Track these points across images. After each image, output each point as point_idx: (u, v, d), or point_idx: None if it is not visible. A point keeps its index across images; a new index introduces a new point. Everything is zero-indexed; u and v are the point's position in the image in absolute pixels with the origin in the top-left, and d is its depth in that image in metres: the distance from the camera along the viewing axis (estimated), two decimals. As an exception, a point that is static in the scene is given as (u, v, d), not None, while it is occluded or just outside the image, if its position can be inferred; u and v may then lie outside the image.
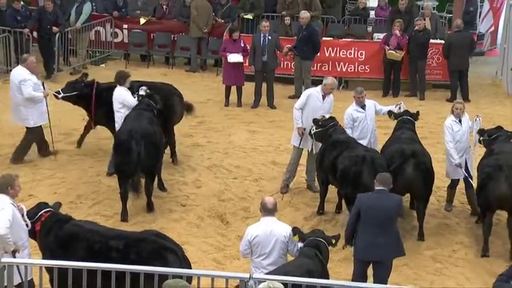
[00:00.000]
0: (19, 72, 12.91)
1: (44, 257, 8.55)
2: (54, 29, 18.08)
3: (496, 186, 10.57)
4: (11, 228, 8.14)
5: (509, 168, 10.59)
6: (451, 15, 20.44)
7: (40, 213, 8.73)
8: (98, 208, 11.74)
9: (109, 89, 12.97)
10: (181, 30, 19.94)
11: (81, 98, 13.37)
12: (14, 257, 8.15)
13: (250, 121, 16.08)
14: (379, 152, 11.53)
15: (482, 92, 18.60)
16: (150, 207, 11.65)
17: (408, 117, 12.04)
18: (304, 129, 12.14)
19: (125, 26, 20.13)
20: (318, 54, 17.59)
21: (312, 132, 11.89)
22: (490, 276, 10.19)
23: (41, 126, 13.13)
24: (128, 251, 8.21)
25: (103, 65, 19.89)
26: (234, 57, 16.72)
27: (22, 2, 18.48)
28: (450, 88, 17.81)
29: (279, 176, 12.86)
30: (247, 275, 7.32)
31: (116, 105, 12.35)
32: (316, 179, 12.26)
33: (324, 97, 12.18)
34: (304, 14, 17.36)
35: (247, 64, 17.02)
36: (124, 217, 11.41)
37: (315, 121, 11.82)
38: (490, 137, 11.62)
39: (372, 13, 20.68)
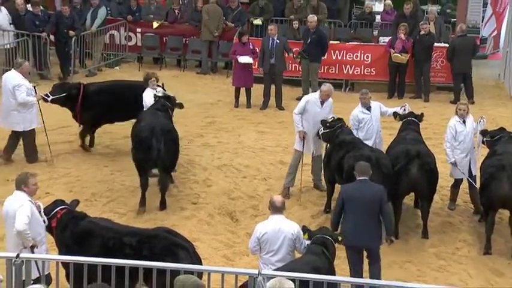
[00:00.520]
0: (13, 77, 12.78)
1: (60, 253, 8.68)
2: (71, 32, 18.26)
3: (498, 186, 10.62)
4: (29, 225, 8.28)
5: (512, 168, 10.66)
6: (454, 19, 20.68)
7: (56, 210, 8.83)
8: (112, 206, 11.84)
9: (98, 89, 13.24)
10: (192, 33, 20.12)
11: (69, 99, 13.49)
12: (33, 252, 8.27)
13: (259, 122, 16.13)
14: (385, 152, 11.57)
15: (486, 93, 18.65)
16: (163, 205, 11.70)
17: (413, 119, 12.11)
18: (305, 133, 12.22)
19: (139, 29, 20.31)
20: (325, 56, 17.76)
21: (320, 133, 11.97)
22: (492, 273, 10.37)
23: (34, 129, 13.04)
24: (140, 247, 8.31)
25: (117, 68, 20.11)
26: (244, 59, 16.82)
27: (41, 7, 18.60)
28: (453, 90, 17.90)
29: (287, 175, 12.96)
30: (256, 271, 7.34)
31: (144, 106, 12.60)
32: (322, 178, 12.40)
33: (322, 103, 12.24)
34: (313, 18, 17.51)
35: (256, 66, 17.15)
36: (142, 205, 11.50)
37: (323, 122, 11.91)
38: (492, 138, 11.66)
39: (378, 17, 20.82)
